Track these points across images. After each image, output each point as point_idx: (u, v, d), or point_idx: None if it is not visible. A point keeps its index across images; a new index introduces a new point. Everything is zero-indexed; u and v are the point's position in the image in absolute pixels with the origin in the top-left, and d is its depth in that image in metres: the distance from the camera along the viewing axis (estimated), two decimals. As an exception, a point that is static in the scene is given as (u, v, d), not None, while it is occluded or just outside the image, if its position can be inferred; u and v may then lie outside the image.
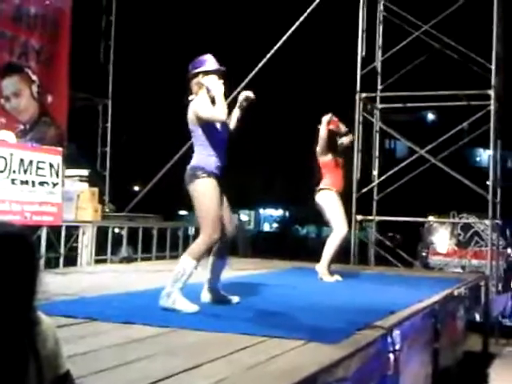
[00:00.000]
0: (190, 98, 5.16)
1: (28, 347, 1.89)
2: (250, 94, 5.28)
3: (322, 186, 7.68)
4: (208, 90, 5.08)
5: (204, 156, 5.02)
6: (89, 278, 7.44)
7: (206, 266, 5.27)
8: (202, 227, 4.95)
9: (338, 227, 7.51)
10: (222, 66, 5.22)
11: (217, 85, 5.07)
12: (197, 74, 5.14)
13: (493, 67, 10.94)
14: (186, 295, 4.85)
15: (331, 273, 7.53)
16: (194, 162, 5.06)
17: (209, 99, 5.07)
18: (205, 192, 4.94)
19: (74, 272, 7.91)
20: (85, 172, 10.12)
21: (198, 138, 5.07)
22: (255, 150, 26.29)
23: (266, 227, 45.21)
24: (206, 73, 5.13)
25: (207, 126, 5.03)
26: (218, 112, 4.95)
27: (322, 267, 7.48)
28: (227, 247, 5.28)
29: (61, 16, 10.65)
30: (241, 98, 5.29)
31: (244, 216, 38.56)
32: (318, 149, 7.70)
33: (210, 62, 5.18)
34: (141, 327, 4.13)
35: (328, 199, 7.58)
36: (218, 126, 5.10)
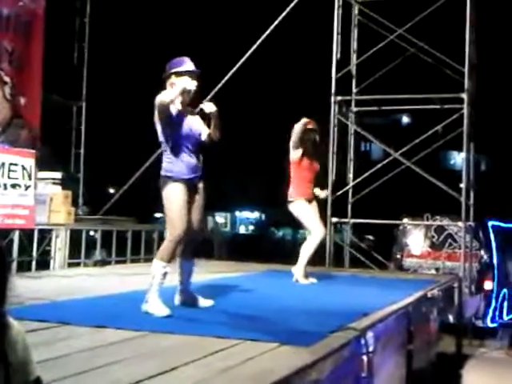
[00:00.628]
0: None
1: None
2: (207, 106, 5.22)
3: (289, 197, 7.64)
4: (181, 93, 5.08)
5: (169, 161, 5.06)
6: (62, 281, 7.37)
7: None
8: (168, 228, 5.05)
9: (315, 231, 7.53)
10: (197, 69, 5.22)
11: (187, 84, 5.07)
12: (170, 75, 5.15)
13: (466, 71, 11.05)
14: (164, 299, 4.83)
15: (306, 275, 7.54)
16: (163, 167, 5.11)
17: (179, 103, 5.09)
18: (170, 195, 4.99)
19: (47, 276, 7.82)
20: (58, 174, 10.04)
21: (163, 141, 5.10)
22: (231, 152, 26.27)
23: (242, 229, 45.22)
24: (179, 74, 5.13)
25: (171, 128, 5.03)
26: (163, 95, 4.96)
27: (298, 270, 7.49)
28: (194, 248, 5.27)
29: (34, 17, 10.53)
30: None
31: (220, 218, 38.54)
32: (291, 143, 7.66)
33: (184, 63, 5.18)
34: (114, 331, 4.10)
35: (299, 209, 7.58)
36: (185, 129, 5.08)
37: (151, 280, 4.87)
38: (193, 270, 5.34)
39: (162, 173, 5.09)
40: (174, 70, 5.14)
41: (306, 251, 7.51)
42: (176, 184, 4.99)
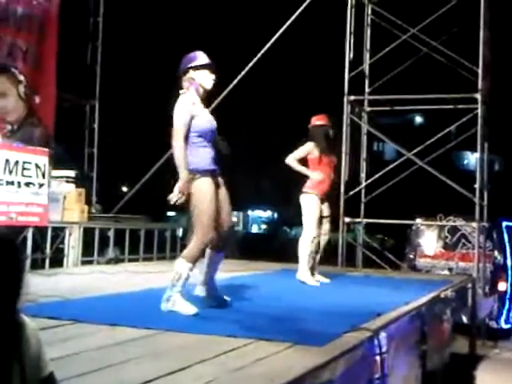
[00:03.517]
0: (180, 92, 5.13)
1: (11, 349, 1.88)
2: None
3: (305, 188, 7.64)
4: (197, 88, 5.07)
5: (194, 156, 4.97)
6: (75, 279, 7.39)
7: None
8: (196, 229, 4.90)
9: (307, 231, 7.50)
10: (213, 62, 5.20)
11: (207, 79, 5.07)
12: (187, 70, 5.12)
13: (480, 71, 10.99)
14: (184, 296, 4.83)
15: (313, 274, 7.52)
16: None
17: (197, 97, 5.08)
18: (200, 192, 4.88)
19: (60, 273, 7.85)
20: (71, 173, 10.08)
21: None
22: (244, 151, 26.28)
23: (255, 229, 45.24)
24: (196, 68, 5.10)
25: (197, 121, 4.99)
26: (175, 139, 4.92)
27: (301, 273, 7.43)
28: (225, 240, 5.22)
29: (48, 16, 10.59)
30: None
31: (232, 217, 38.51)
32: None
33: (200, 57, 5.15)
34: (127, 329, 4.10)
35: (307, 203, 7.55)
36: (206, 118, 5.07)
37: (173, 278, 4.80)
38: (220, 262, 5.30)
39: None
40: (190, 65, 5.10)
41: (302, 253, 7.46)
42: (203, 179, 4.90)
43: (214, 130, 5.14)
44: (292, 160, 7.60)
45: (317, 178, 7.49)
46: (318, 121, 7.79)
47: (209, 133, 5.07)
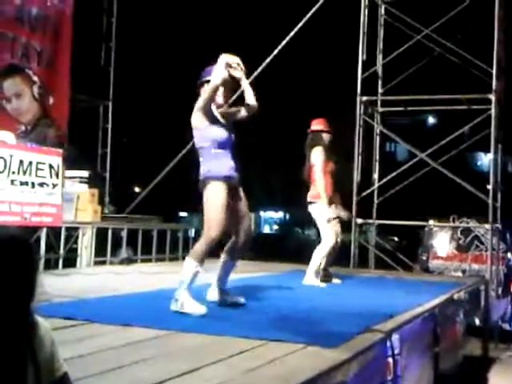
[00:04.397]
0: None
1: (26, 350, 1.89)
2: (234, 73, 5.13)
3: (309, 198, 7.57)
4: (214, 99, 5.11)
5: (209, 163, 5.04)
6: (88, 279, 7.43)
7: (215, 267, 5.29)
8: (205, 228, 4.97)
9: (326, 239, 7.48)
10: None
11: (220, 96, 5.13)
12: (204, 83, 5.18)
13: (494, 71, 10.93)
14: (194, 297, 4.84)
15: (325, 277, 7.52)
16: (203, 169, 5.06)
17: (214, 109, 5.13)
18: (211, 196, 4.95)
19: (74, 273, 7.89)
20: (85, 173, 10.12)
21: (202, 144, 5.09)
22: (256, 151, 26.30)
23: (267, 229, 45.21)
24: None
25: (208, 130, 5.05)
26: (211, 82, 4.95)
27: (308, 279, 7.40)
28: (240, 250, 5.27)
29: (62, 17, 10.63)
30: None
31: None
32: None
33: None
34: (140, 330, 4.11)
35: (317, 212, 7.51)
36: (220, 130, 5.10)
37: (182, 278, 4.86)
38: (232, 270, 5.36)
39: (202, 175, 5.04)
40: (207, 79, 5.14)
41: (316, 259, 7.43)
42: (217, 183, 4.95)
43: (230, 138, 5.16)
44: (322, 180, 7.49)
45: (325, 203, 7.44)
46: (318, 125, 7.75)
47: (225, 141, 5.09)
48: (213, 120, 5.08)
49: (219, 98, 5.18)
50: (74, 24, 10.84)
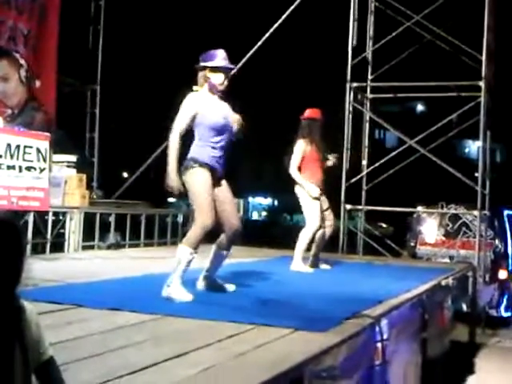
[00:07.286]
0: (194, 88, 5.16)
1: (13, 334, 1.87)
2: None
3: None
4: (210, 87, 5.08)
5: (198, 147, 5.03)
6: (76, 264, 7.40)
7: (207, 254, 5.26)
8: (196, 215, 4.95)
9: (310, 222, 7.46)
10: (232, 65, 5.22)
11: (220, 82, 5.08)
12: (204, 68, 5.12)
13: (483, 58, 10.92)
14: (185, 282, 4.83)
15: (317, 263, 7.52)
16: (189, 153, 5.06)
17: (210, 95, 5.09)
18: (195, 181, 4.93)
19: (61, 258, 7.86)
20: (73, 158, 10.06)
21: (194, 129, 5.08)
22: (244, 138, 26.24)
23: (255, 216, 45.29)
24: (214, 69, 5.10)
25: (201, 118, 5.01)
26: (172, 134, 4.99)
27: (295, 265, 7.38)
28: (231, 241, 5.23)
29: (49, 0, 10.52)
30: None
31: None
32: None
33: (220, 57, 5.13)
34: (127, 314, 4.10)
35: (304, 194, 7.51)
36: (215, 118, 5.05)
37: (175, 265, 4.83)
38: (223, 261, 5.34)
39: (188, 156, 5.02)
40: (209, 64, 5.09)
41: (301, 243, 7.44)
42: (201, 169, 4.93)
43: (221, 126, 5.09)
44: (296, 170, 7.50)
45: (314, 195, 7.43)
46: (313, 114, 7.73)
47: (216, 130, 5.04)
48: (199, 111, 5.02)
49: (220, 86, 5.13)
50: (61, 6, 10.73)
